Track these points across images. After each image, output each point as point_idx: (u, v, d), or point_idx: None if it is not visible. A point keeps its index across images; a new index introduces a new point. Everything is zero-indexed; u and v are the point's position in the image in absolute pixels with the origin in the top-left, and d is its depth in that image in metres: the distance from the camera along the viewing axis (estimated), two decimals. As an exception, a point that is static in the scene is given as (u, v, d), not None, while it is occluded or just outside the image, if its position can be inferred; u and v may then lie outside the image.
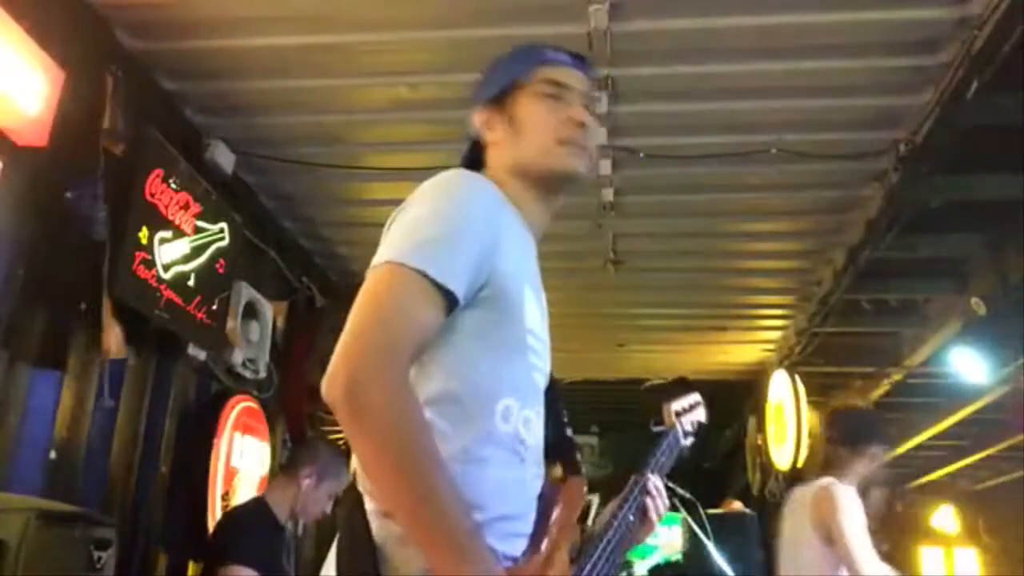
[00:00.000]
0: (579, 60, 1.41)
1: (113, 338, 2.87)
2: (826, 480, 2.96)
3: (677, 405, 1.74)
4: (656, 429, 1.70)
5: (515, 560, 1.15)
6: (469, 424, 1.14)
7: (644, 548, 6.30)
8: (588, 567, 1.26)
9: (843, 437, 3.08)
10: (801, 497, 3.05)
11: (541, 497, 1.24)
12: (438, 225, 1.15)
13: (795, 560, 2.99)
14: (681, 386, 1.82)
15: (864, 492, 3.01)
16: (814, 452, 3.19)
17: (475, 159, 1.40)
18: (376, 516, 1.11)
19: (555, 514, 1.22)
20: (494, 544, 1.11)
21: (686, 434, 1.72)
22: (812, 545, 2.89)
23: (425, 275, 1.09)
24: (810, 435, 3.34)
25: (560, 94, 1.34)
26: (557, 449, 1.33)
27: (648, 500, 1.44)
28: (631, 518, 1.39)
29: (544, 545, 1.18)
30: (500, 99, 1.37)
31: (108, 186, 2.83)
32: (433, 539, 1.03)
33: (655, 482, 1.47)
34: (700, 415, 1.79)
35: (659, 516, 1.44)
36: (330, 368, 1.05)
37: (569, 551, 1.22)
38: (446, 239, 1.13)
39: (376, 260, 1.14)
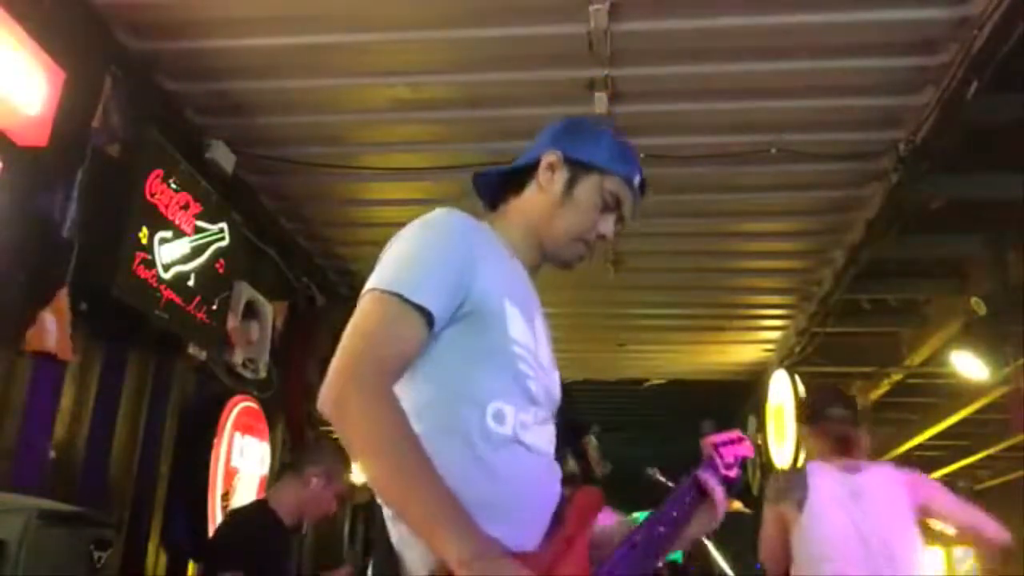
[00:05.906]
0: (642, 191, 1.52)
1: (55, 337, 2.61)
2: (878, 462, 2.83)
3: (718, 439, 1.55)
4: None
5: (526, 552, 1.17)
6: (458, 427, 1.23)
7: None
8: (606, 569, 1.24)
9: (858, 418, 2.83)
10: (878, 480, 2.71)
11: (560, 500, 1.28)
12: (416, 255, 1.29)
13: (902, 546, 2.66)
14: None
15: None
16: (836, 436, 2.77)
17: (501, 184, 1.50)
18: (389, 521, 1.22)
19: (571, 515, 1.26)
20: (505, 531, 1.13)
21: (727, 465, 1.51)
22: (912, 528, 2.67)
23: (401, 297, 1.21)
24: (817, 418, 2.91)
25: (610, 207, 1.47)
26: (572, 456, 1.36)
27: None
28: (661, 530, 1.36)
29: (559, 542, 1.21)
30: (575, 164, 1.45)
31: (107, 186, 2.83)
32: (431, 530, 1.10)
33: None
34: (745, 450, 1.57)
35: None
36: (324, 383, 1.17)
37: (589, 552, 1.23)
38: (421, 265, 1.27)
39: (364, 289, 1.28)
